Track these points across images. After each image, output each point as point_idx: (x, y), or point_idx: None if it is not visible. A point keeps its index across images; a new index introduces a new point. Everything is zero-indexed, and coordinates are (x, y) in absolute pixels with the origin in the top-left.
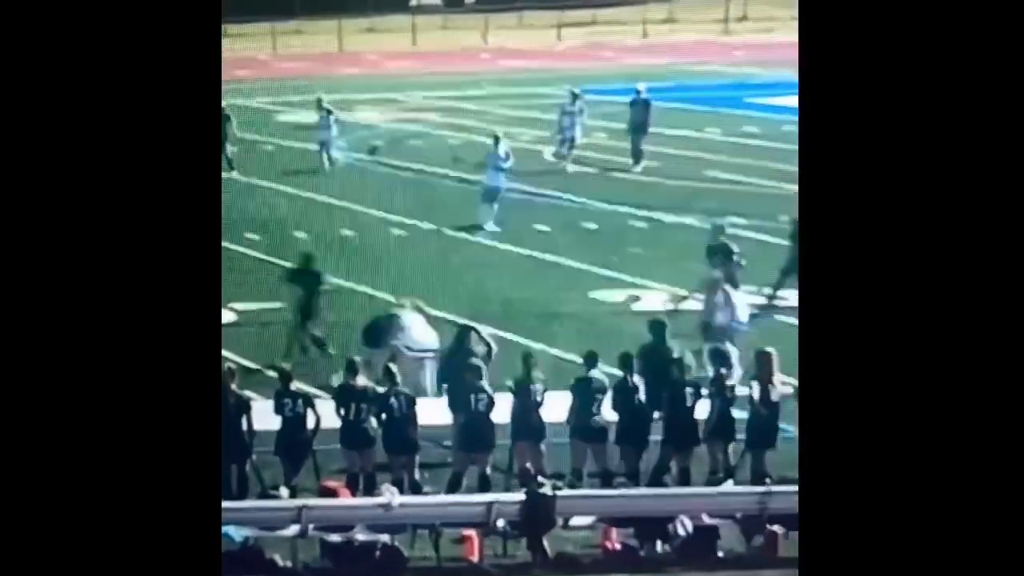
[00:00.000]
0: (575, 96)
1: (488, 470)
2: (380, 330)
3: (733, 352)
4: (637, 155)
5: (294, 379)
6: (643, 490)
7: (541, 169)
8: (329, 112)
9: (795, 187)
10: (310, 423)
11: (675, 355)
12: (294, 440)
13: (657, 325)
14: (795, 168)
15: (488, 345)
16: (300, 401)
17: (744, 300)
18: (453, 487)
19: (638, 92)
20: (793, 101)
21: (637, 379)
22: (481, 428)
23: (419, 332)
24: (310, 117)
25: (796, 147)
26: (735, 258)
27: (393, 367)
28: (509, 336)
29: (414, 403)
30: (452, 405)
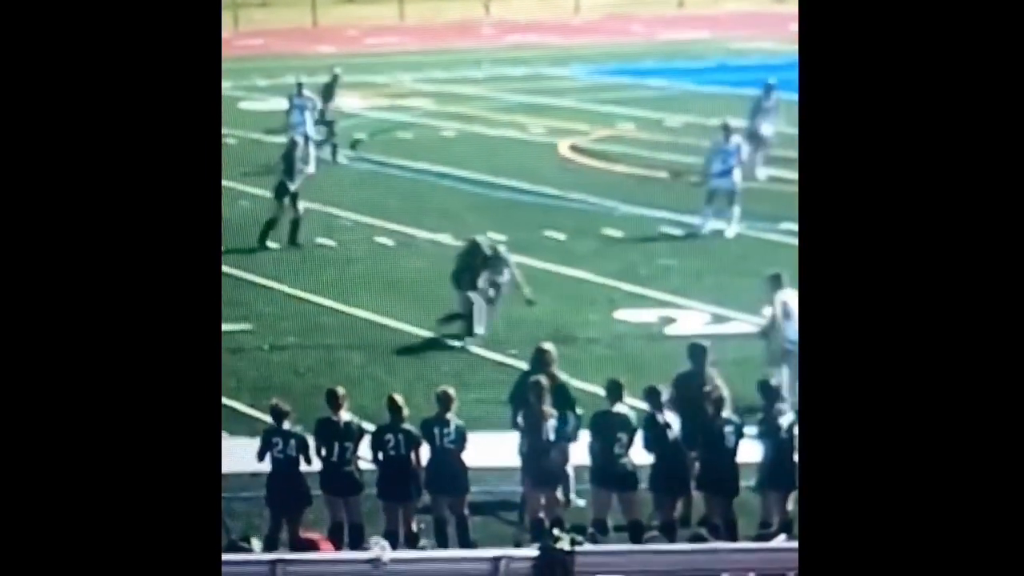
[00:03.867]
0: (769, 88)
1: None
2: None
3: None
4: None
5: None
6: (679, 545)
7: (553, 166)
8: (300, 89)
9: None
10: (303, 468)
11: (707, 387)
12: (287, 486)
13: (696, 350)
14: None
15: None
16: (292, 442)
17: None
18: (440, 536)
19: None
20: None
21: (670, 415)
22: (451, 466)
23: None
24: (279, 104)
25: None
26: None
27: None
28: (518, 364)
29: (416, 442)
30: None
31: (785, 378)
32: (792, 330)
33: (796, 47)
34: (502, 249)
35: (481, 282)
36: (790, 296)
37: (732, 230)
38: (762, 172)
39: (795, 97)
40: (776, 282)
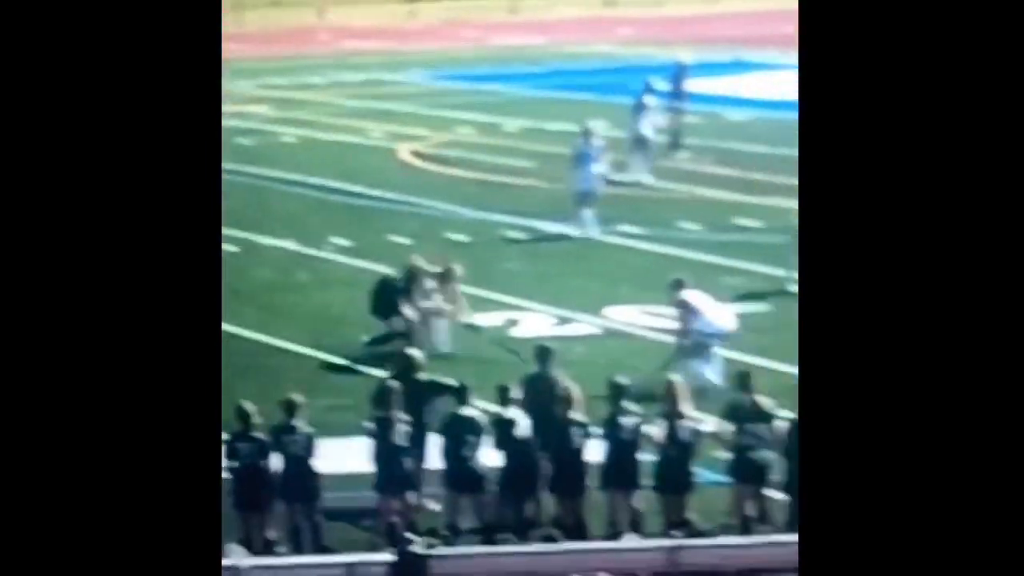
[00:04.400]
0: (649, 88)
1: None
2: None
3: (711, 368)
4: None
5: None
6: (530, 546)
7: (395, 171)
8: None
9: (698, 190)
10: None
11: (559, 388)
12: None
13: (543, 352)
14: (708, 169)
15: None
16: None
17: (712, 302)
18: (295, 543)
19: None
20: (698, 86)
21: (519, 416)
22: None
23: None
24: None
25: (711, 143)
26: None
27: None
28: (365, 369)
29: (266, 450)
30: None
31: (707, 369)
32: (703, 323)
33: (628, 51)
34: (439, 269)
35: (410, 307)
36: (690, 294)
37: (581, 232)
38: (647, 176)
39: (620, 99)
40: (677, 284)
